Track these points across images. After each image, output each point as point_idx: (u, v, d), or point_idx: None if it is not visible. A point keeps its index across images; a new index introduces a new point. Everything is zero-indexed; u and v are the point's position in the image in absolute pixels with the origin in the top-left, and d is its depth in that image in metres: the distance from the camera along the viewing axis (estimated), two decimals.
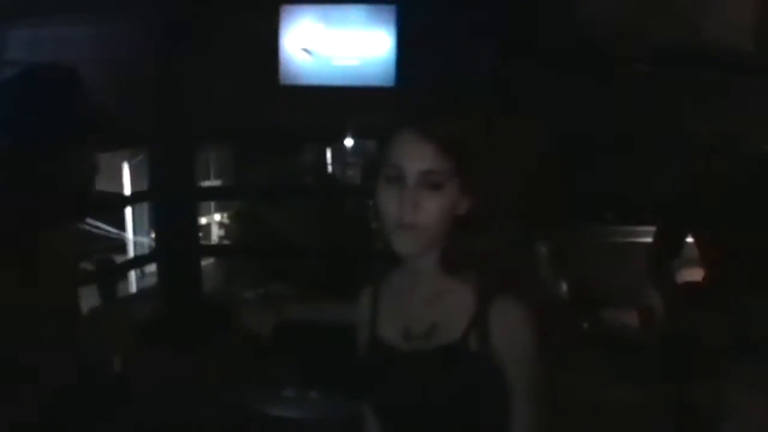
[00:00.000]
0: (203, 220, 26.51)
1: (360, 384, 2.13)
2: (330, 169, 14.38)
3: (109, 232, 16.15)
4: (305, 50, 6.23)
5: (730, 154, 3.82)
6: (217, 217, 26.11)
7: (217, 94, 6.17)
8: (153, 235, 7.01)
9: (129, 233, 17.80)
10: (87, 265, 3.12)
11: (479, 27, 5.91)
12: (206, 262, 17.04)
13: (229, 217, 20.20)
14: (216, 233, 25.98)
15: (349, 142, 11.27)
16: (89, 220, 13.31)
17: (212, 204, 25.57)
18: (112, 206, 9.11)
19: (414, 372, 2.01)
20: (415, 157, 1.89)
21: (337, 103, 5.99)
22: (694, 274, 4.29)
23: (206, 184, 22.95)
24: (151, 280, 6.94)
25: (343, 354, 2.27)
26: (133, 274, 11.62)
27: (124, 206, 11.46)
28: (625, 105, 5.82)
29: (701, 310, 4.01)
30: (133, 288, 7.65)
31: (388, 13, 6.20)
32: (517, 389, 1.99)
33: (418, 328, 2.02)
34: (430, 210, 1.91)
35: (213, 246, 14.01)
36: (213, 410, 4.60)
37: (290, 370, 4.59)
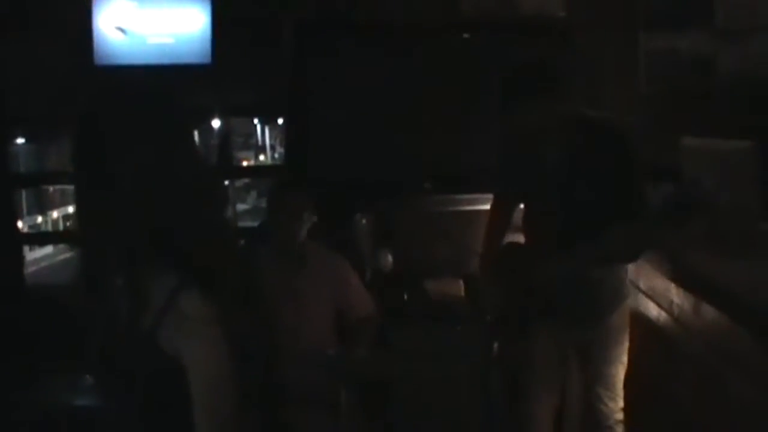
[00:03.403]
0: (71, 209, 26.10)
1: None
2: None
3: None
4: (119, 29, 6.06)
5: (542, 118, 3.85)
6: None
7: (29, 79, 6.00)
8: None
9: None
10: None
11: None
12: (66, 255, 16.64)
13: None
14: None
15: None
16: None
17: None
18: None
19: None
20: None
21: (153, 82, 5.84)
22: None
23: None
24: None
25: None
26: None
27: None
28: (443, 74, 5.82)
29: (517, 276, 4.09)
30: None
31: None
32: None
33: None
34: None
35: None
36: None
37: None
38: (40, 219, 24.01)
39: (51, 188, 23.19)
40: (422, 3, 5.82)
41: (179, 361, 1.87)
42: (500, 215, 4.36)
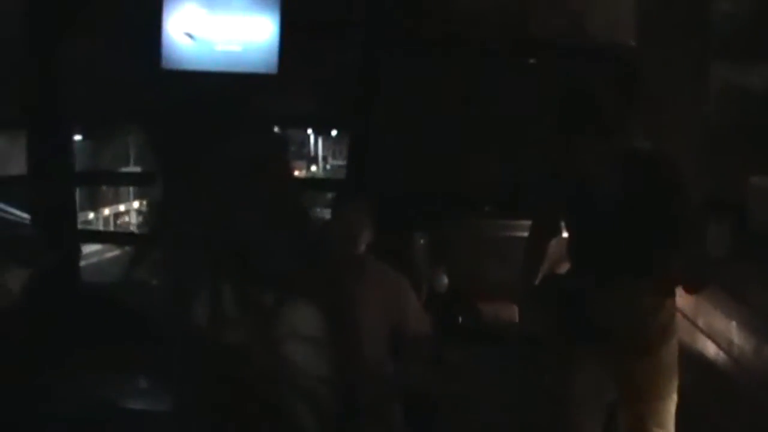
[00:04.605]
0: (122, 207, 26.34)
1: None
2: None
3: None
4: (188, 35, 6.09)
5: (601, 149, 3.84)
6: (135, 204, 25.92)
7: (98, 78, 6.04)
8: None
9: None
10: None
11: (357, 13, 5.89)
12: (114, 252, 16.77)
13: (147, 205, 19.94)
14: (134, 220, 25.76)
15: None
16: None
17: (131, 190, 25.38)
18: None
19: None
20: None
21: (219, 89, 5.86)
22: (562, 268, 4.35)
23: (125, 169, 22.76)
24: None
25: None
26: None
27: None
28: (508, 98, 5.80)
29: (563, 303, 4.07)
30: None
31: None
32: None
33: None
34: None
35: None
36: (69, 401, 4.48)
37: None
38: (91, 215, 24.23)
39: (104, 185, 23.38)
40: (493, 23, 5.79)
41: (274, 375, 1.84)
42: (541, 242, 4.36)
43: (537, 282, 4.35)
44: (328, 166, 30.99)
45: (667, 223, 3.76)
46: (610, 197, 3.86)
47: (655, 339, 4.01)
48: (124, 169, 22.88)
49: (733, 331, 4.11)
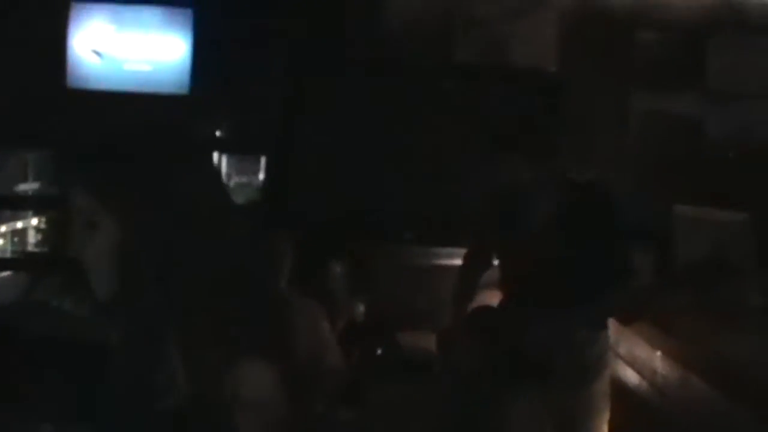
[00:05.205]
0: (19, 225, 25.63)
1: None
2: None
3: None
4: (95, 52, 5.86)
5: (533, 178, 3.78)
6: (34, 221, 25.26)
7: None
8: None
9: None
10: None
11: (277, 35, 5.74)
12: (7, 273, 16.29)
13: (46, 222, 19.45)
14: (32, 239, 25.12)
15: None
16: None
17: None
18: None
19: None
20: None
21: (127, 109, 5.68)
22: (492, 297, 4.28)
23: (23, 186, 22.12)
24: None
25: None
26: None
27: None
28: (428, 121, 5.72)
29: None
30: None
31: (184, 16, 5.91)
32: None
33: None
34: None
35: None
36: None
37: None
38: None
39: None
40: (418, 47, 5.72)
41: None
42: (473, 272, 4.29)
43: (467, 313, 4.27)
44: (231, 183, 30.78)
45: (600, 253, 3.71)
46: (543, 227, 3.79)
47: (589, 372, 3.97)
48: (22, 186, 22.26)
49: (657, 360, 4.06)
